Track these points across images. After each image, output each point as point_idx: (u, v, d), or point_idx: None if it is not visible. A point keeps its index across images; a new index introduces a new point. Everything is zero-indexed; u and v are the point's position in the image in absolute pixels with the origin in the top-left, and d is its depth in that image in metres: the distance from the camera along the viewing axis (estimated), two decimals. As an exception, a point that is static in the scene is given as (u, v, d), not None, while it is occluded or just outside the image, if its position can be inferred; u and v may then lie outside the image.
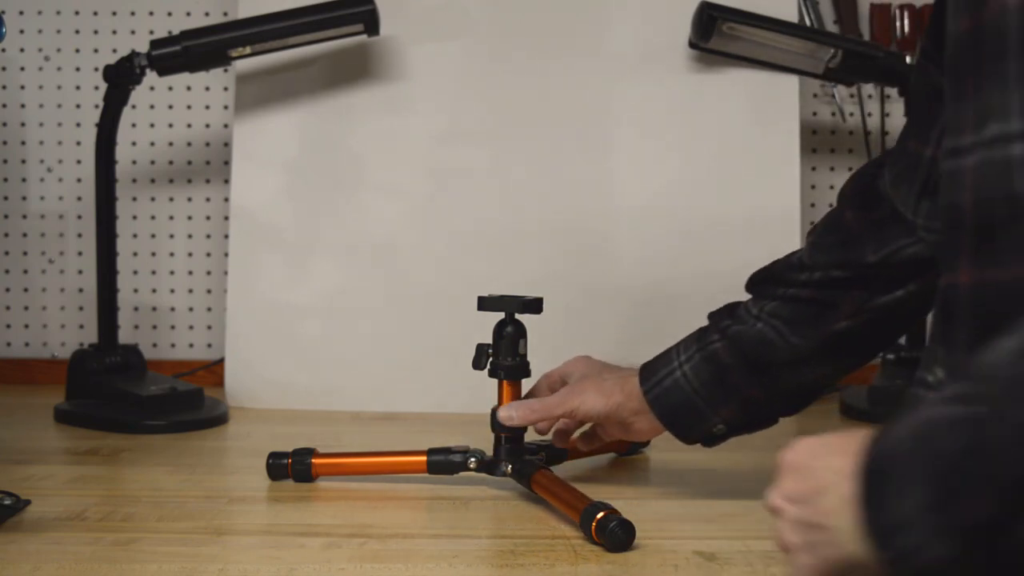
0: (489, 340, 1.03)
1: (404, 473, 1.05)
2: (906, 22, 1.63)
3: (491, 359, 1.02)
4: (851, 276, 0.91)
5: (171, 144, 1.69)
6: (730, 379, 0.95)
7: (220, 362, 1.58)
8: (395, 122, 1.52)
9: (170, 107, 1.68)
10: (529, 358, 1.03)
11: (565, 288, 1.45)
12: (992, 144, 0.59)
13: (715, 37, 1.43)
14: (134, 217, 1.68)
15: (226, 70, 1.64)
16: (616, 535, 0.83)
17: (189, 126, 1.68)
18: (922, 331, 1.46)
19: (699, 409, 0.96)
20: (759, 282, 0.98)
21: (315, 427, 1.36)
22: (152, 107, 1.67)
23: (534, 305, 1.03)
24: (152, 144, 1.68)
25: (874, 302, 0.91)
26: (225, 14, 1.63)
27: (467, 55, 1.52)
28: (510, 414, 1.00)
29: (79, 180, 1.68)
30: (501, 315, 1.03)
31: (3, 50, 1.65)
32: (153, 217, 1.69)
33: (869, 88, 1.68)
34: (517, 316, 1.02)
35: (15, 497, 0.92)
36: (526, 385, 1.05)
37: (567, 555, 0.83)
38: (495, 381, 1.03)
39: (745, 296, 0.99)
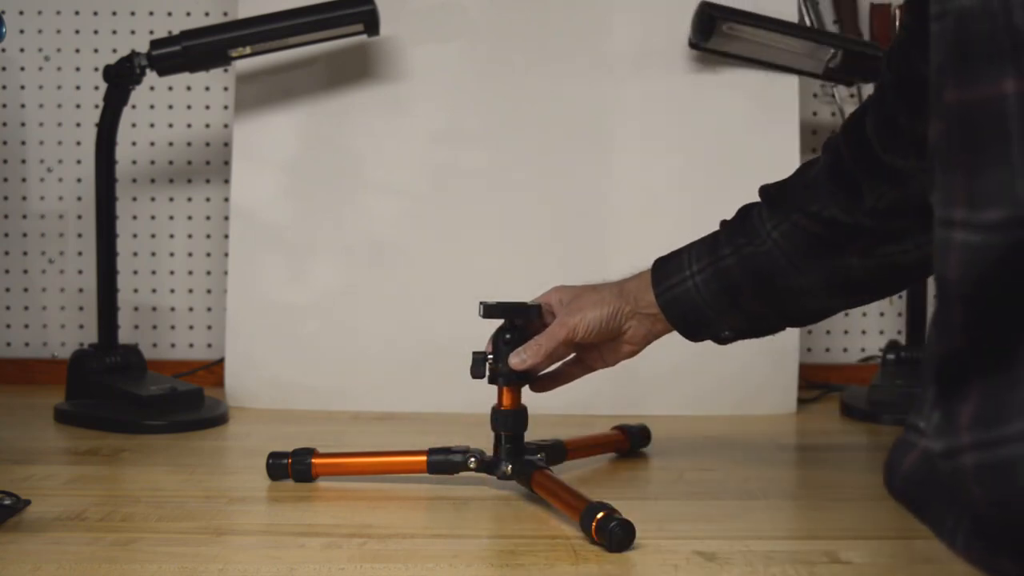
0: (490, 339, 1.03)
1: (404, 473, 1.05)
2: (906, 22, 1.63)
3: (491, 366, 1.02)
4: (854, 223, 0.94)
5: (171, 144, 1.69)
6: (740, 297, 1.00)
7: (220, 362, 1.58)
8: (395, 122, 1.52)
9: (170, 107, 1.68)
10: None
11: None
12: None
13: (715, 37, 1.43)
14: (134, 217, 1.68)
15: (226, 70, 1.64)
16: (616, 535, 0.83)
17: (189, 126, 1.68)
18: (922, 332, 1.46)
19: (708, 318, 1.02)
20: (774, 200, 1.00)
21: (315, 427, 1.36)
22: (152, 107, 1.67)
23: (536, 312, 1.03)
24: (152, 144, 1.68)
25: (882, 248, 0.94)
26: (225, 14, 1.63)
27: (466, 55, 1.52)
28: (521, 358, 1.00)
29: (79, 180, 1.68)
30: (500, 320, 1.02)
31: (3, 50, 1.65)
32: (153, 217, 1.69)
33: (869, 88, 1.67)
34: (517, 323, 1.02)
35: (15, 497, 0.92)
36: (526, 392, 1.04)
37: (567, 555, 0.83)
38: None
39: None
